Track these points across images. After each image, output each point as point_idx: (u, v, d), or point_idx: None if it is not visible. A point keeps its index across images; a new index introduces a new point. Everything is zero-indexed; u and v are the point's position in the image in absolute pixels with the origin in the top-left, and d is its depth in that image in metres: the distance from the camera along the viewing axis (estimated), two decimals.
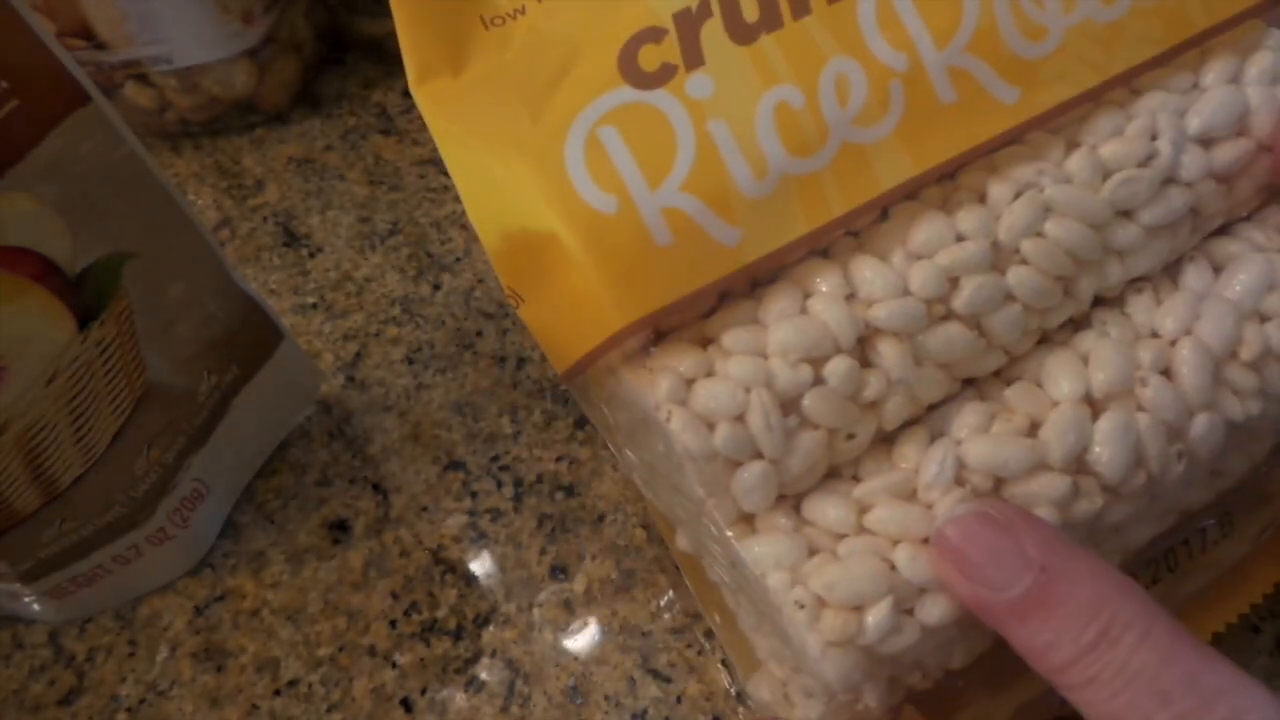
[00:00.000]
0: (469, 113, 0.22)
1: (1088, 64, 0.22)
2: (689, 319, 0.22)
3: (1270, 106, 0.22)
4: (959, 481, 0.20)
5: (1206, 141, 0.22)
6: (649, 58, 0.21)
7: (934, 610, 0.20)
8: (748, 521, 0.21)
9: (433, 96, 0.23)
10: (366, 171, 0.42)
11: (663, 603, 0.29)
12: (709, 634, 0.29)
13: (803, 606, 0.20)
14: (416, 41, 0.23)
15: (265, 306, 0.31)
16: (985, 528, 0.19)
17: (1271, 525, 0.26)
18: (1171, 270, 0.23)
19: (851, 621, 0.19)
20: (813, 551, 0.20)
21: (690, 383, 0.21)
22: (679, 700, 0.28)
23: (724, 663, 0.28)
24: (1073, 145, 0.22)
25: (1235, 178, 0.23)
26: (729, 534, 0.21)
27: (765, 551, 0.20)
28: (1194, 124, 0.22)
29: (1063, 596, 0.18)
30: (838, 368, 0.20)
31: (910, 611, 0.20)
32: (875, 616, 0.19)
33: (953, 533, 0.19)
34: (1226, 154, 0.22)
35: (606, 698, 0.28)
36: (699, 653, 0.28)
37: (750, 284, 0.22)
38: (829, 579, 0.20)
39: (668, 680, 0.28)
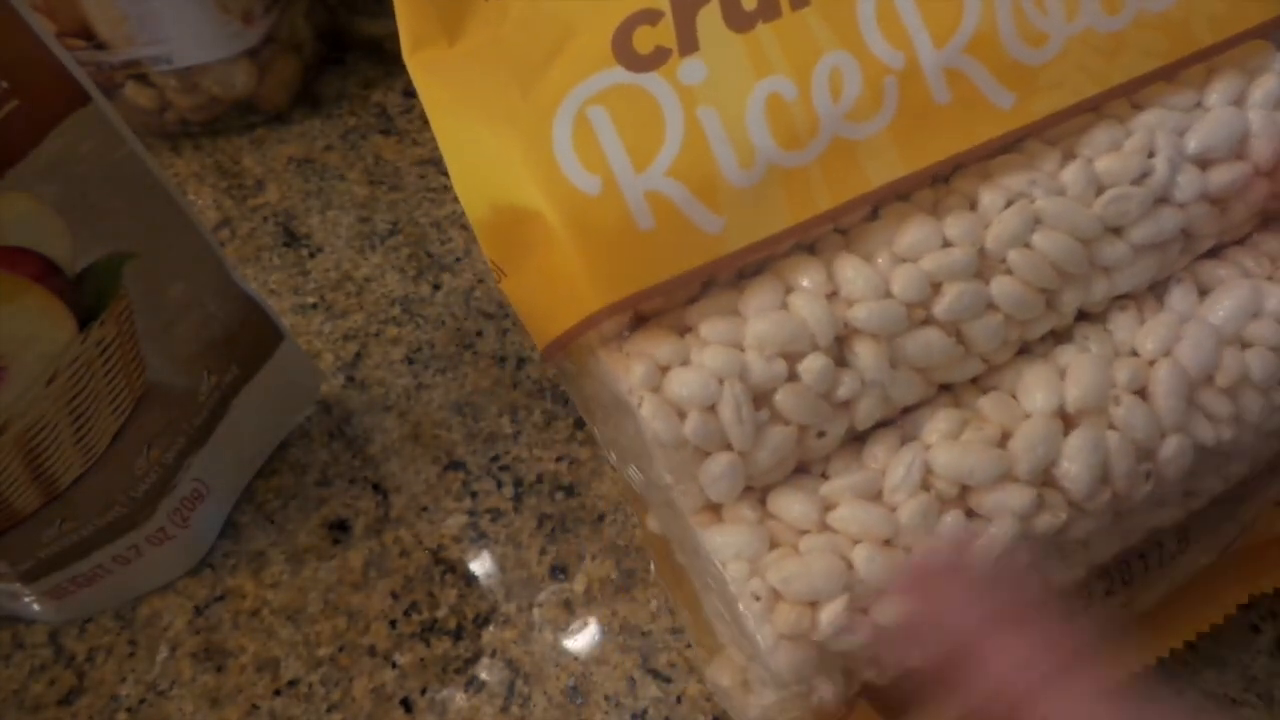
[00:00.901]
0: (461, 83, 0.22)
1: (1088, 73, 0.22)
2: (670, 305, 0.22)
3: (1271, 132, 0.22)
4: (925, 486, 0.20)
5: (1204, 162, 0.22)
6: (643, 40, 0.21)
7: (889, 610, 0.20)
8: (713, 511, 0.21)
9: (426, 66, 0.23)
10: (366, 171, 0.42)
11: (663, 603, 0.29)
12: None
13: (758, 598, 0.20)
14: (413, 10, 0.23)
15: (265, 306, 0.31)
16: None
17: (1237, 541, 0.26)
18: (1158, 290, 0.23)
19: (805, 616, 0.20)
20: (774, 545, 0.21)
21: (665, 370, 0.21)
22: (679, 700, 0.28)
23: None
24: (1069, 157, 0.22)
25: (1230, 201, 0.23)
26: (693, 522, 0.21)
27: (726, 541, 0.21)
28: (1192, 144, 0.22)
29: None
30: (812, 365, 0.20)
31: (865, 610, 0.20)
32: (829, 613, 0.20)
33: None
34: (1223, 177, 0.22)
35: (606, 698, 0.28)
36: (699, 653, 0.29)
37: (736, 275, 0.22)
38: (786, 573, 0.20)
39: (668, 680, 0.28)
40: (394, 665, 0.29)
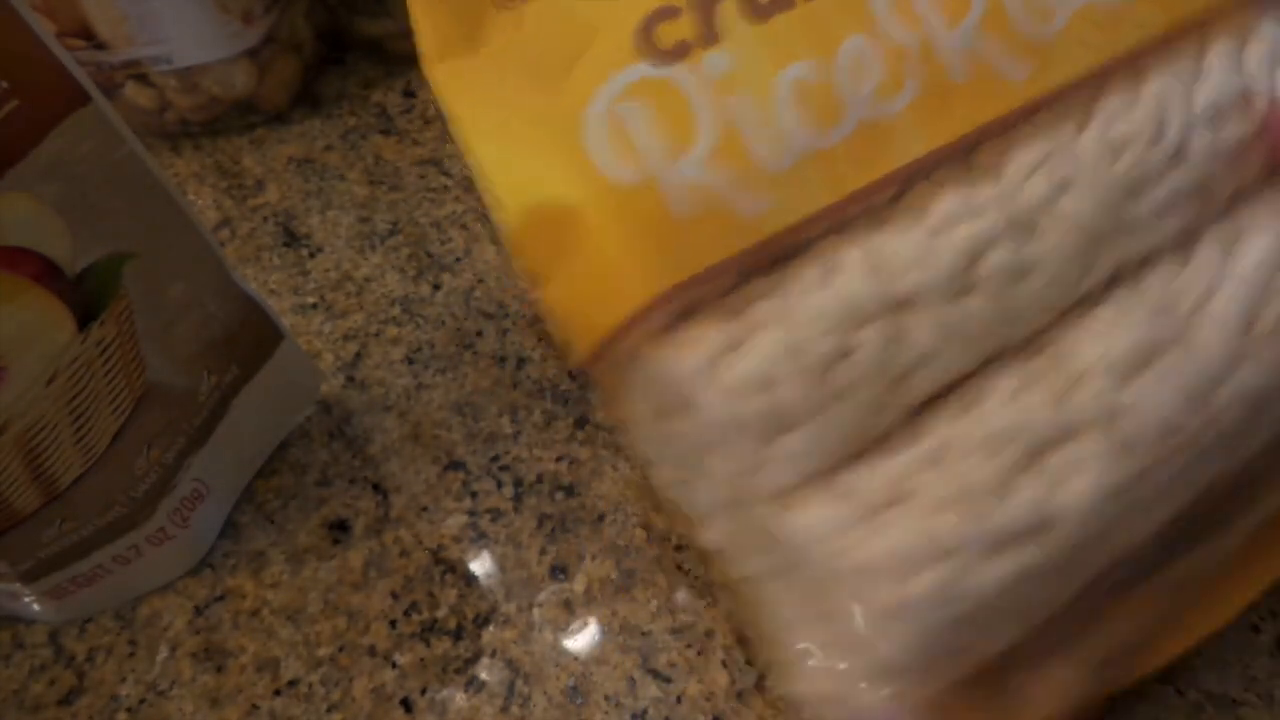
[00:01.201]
0: (487, 90, 0.23)
1: (1092, 45, 0.23)
2: (715, 294, 0.22)
3: (1267, 88, 0.23)
4: (994, 451, 0.21)
5: (1213, 121, 0.23)
6: (665, 35, 0.22)
7: (988, 575, 0.20)
8: (787, 495, 0.21)
9: (451, 74, 0.23)
10: (366, 171, 0.42)
11: (663, 603, 0.29)
12: (709, 634, 0.29)
13: (849, 576, 0.20)
14: (432, 20, 0.23)
15: (265, 306, 0.31)
16: None
17: (1262, 524, 0.26)
18: (1186, 246, 0.24)
19: (899, 589, 0.20)
20: (855, 521, 0.21)
21: (721, 355, 0.21)
22: (679, 700, 0.28)
23: (724, 663, 0.28)
24: (1084, 124, 0.23)
25: (1241, 155, 0.23)
26: (769, 509, 0.21)
27: (808, 524, 0.21)
28: (1200, 104, 0.23)
29: None
30: (866, 339, 0.21)
31: (962, 577, 0.20)
32: (924, 583, 0.20)
33: None
34: (1231, 132, 0.23)
35: (606, 698, 0.28)
36: (699, 653, 0.28)
37: (771, 262, 0.22)
38: (874, 548, 0.20)
39: (668, 680, 0.28)
40: (394, 665, 0.29)
